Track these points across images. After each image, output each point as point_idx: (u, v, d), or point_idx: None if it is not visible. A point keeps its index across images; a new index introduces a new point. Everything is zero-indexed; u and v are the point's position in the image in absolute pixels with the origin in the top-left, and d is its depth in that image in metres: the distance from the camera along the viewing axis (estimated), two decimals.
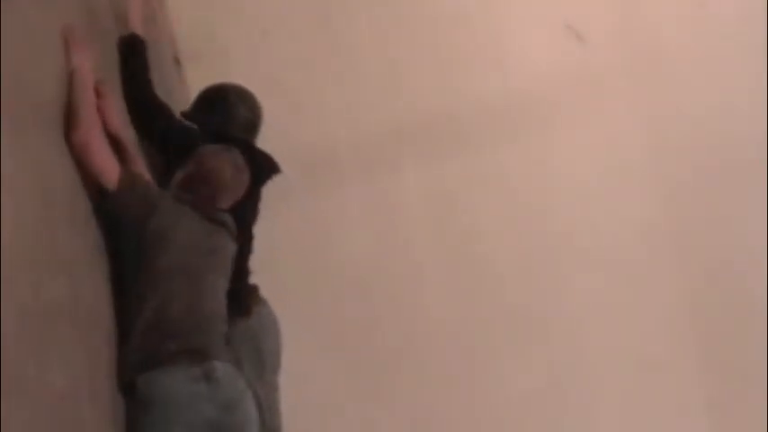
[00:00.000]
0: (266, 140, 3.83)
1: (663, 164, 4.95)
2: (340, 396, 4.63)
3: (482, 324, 4.81)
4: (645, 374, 4.85)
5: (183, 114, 3.70)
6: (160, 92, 3.54)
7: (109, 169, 2.77)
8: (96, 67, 3.00)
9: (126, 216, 2.83)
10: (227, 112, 3.69)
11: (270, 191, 3.99)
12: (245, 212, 3.72)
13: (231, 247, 3.18)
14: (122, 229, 2.85)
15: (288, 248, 4.59)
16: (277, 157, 3.94)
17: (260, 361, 3.60)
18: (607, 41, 4.94)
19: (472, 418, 4.76)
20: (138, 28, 3.46)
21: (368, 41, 4.82)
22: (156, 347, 2.80)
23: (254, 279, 3.80)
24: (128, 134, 3.23)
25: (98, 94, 2.92)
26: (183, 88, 4.48)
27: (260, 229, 3.91)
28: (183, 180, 3.07)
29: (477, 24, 4.87)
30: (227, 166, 3.12)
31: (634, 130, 4.95)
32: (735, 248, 4.92)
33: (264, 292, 3.80)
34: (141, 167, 3.12)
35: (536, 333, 4.83)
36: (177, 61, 4.66)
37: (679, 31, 4.98)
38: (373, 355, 4.72)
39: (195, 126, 3.65)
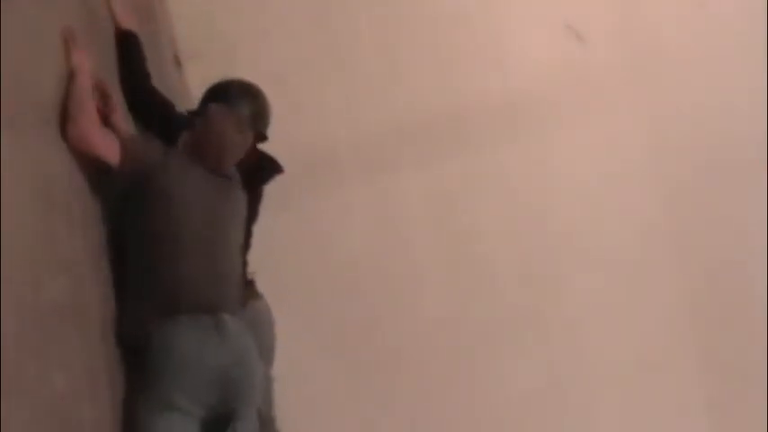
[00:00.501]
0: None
1: (663, 164, 4.95)
2: (340, 396, 4.63)
3: (482, 324, 4.81)
4: (645, 374, 4.85)
5: (191, 113, 3.71)
6: (160, 91, 3.54)
7: (111, 147, 2.78)
8: (96, 66, 3.00)
9: (135, 180, 2.84)
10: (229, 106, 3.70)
11: (270, 191, 3.99)
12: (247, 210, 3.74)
13: (241, 199, 3.21)
14: (132, 194, 2.86)
15: (288, 248, 4.59)
16: (277, 157, 3.95)
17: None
18: (607, 41, 4.95)
19: (472, 418, 4.76)
20: (125, 23, 3.46)
21: (368, 41, 4.82)
22: (166, 299, 2.83)
23: (253, 277, 3.80)
24: (127, 128, 3.24)
25: (100, 92, 2.93)
26: (183, 88, 4.48)
27: (260, 229, 3.90)
28: (189, 141, 3.11)
29: (477, 24, 4.87)
30: (231, 127, 3.15)
31: (634, 130, 4.95)
32: (735, 248, 4.92)
33: (264, 291, 3.80)
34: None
35: (536, 333, 4.83)
36: (177, 61, 4.66)
37: (679, 31, 4.98)
38: (373, 354, 4.72)
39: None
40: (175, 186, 2.92)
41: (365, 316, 4.73)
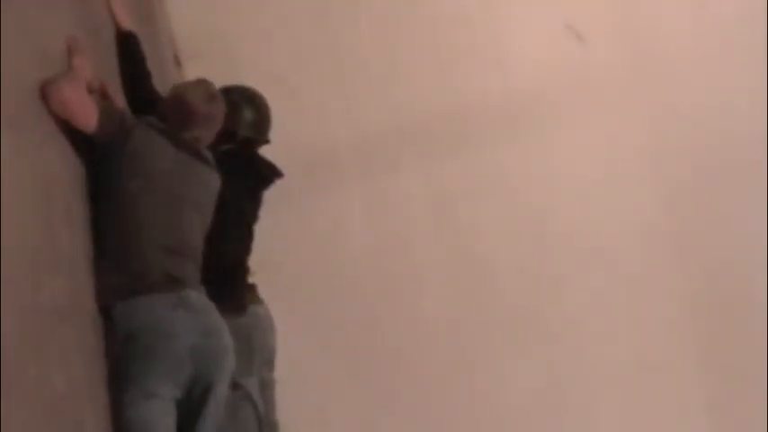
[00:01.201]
0: None
1: (663, 164, 4.95)
2: (339, 396, 4.63)
3: (482, 324, 4.81)
4: (645, 374, 4.85)
5: None
6: (159, 91, 3.55)
7: (89, 113, 2.79)
8: (96, 68, 3.00)
9: (108, 145, 2.85)
10: (231, 113, 3.74)
11: (270, 190, 3.99)
12: (247, 213, 3.75)
13: (213, 181, 3.20)
14: (105, 159, 2.88)
15: (287, 248, 4.59)
16: (277, 156, 3.95)
17: (249, 359, 3.60)
18: (607, 41, 4.94)
19: (472, 418, 4.76)
20: (125, 23, 3.47)
21: (368, 41, 4.82)
22: (131, 274, 2.84)
23: (253, 279, 3.80)
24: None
25: (100, 92, 2.95)
26: None
27: (260, 229, 3.91)
28: (158, 110, 3.13)
29: (477, 24, 4.87)
30: (198, 94, 3.16)
31: (634, 130, 4.95)
32: (735, 248, 4.92)
33: (264, 291, 3.80)
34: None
35: (536, 333, 4.83)
36: (177, 61, 4.66)
37: (679, 31, 4.98)
38: (373, 354, 4.72)
39: None
40: (144, 155, 2.93)
41: (365, 316, 4.73)
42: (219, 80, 3.97)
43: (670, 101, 4.96)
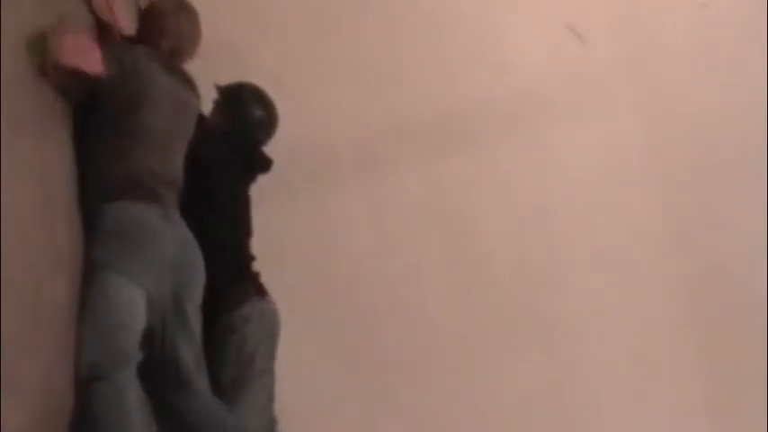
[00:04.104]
0: None
1: (663, 164, 4.95)
2: (338, 396, 4.62)
3: (482, 324, 4.80)
4: (645, 374, 4.85)
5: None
6: None
7: (94, 59, 2.84)
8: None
9: (118, 87, 2.93)
10: (239, 111, 3.82)
11: (270, 190, 4.00)
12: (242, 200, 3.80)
13: (195, 105, 3.35)
14: (109, 95, 2.94)
15: (287, 248, 4.59)
16: (277, 156, 3.96)
17: (246, 351, 3.62)
18: (607, 41, 4.94)
19: (472, 418, 4.75)
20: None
21: (368, 41, 4.81)
22: (123, 187, 2.92)
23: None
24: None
25: None
26: None
27: (259, 229, 3.91)
28: (143, 32, 3.26)
29: (477, 25, 4.87)
30: (168, 4, 3.34)
31: (634, 130, 4.94)
32: (734, 248, 4.91)
33: None
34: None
35: (536, 333, 4.83)
36: None
37: (679, 31, 4.98)
38: (372, 355, 4.72)
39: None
40: (148, 86, 3.03)
41: (365, 316, 4.72)
42: (220, 80, 3.99)
43: (670, 101, 4.96)
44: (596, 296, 4.84)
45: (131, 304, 2.80)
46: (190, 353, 3.04)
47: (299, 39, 4.73)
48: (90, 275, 2.74)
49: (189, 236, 3.12)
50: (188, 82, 3.27)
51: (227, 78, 4.03)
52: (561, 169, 4.91)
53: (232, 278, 3.56)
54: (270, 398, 3.72)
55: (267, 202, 4.03)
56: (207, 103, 3.85)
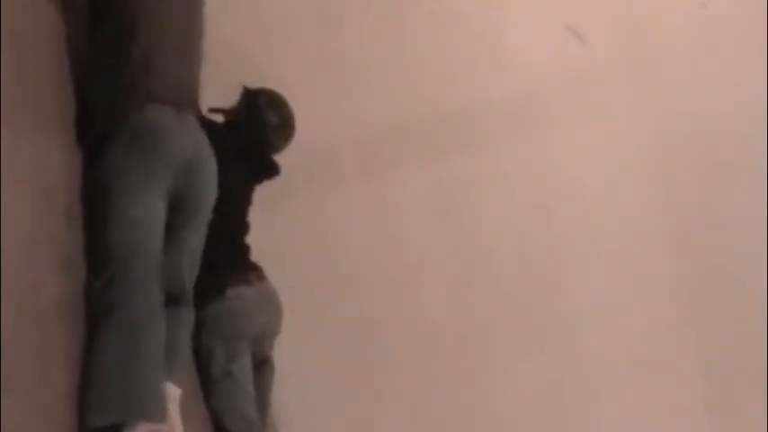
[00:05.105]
0: None
1: (663, 164, 4.95)
2: (338, 396, 4.63)
3: (482, 324, 4.81)
4: (644, 374, 4.85)
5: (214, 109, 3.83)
6: None
7: None
8: None
9: None
10: (254, 113, 3.85)
11: (270, 190, 4.00)
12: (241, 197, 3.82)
13: (203, 10, 3.35)
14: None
15: (287, 248, 4.59)
16: (277, 156, 3.96)
17: (238, 336, 3.63)
18: (607, 41, 4.94)
19: (472, 418, 4.75)
20: None
21: (368, 41, 4.81)
22: (139, 90, 2.89)
23: None
24: None
25: None
26: None
27: (259, 229, 3.91)
28: None
29: (477, 24, 4.87)
30: None
31: (634, 130, 4.94)
32: (734, 248, 4.91)
33: None
34: None
35: (536, 333, 4.83)
36: None
37: (679, 31, 4.98)
38: (372, 355, 4.72)
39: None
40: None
41: (364, 316, 4.72)
42: (221, 80, 3.99)
43: (670, 101, 4.96)
44: (596, 296, 4.84)
45: (153, 209, 2.83)
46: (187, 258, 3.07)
47: (299, 38, 4.73)
48: (109, 185, 2.76)
49: (203, 142, 3.12)
50: None
51: (226, 78, 4.03)
52: (561, 169, 4.91)
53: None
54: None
55: (267, 202, 4.03)
56: (207, 104, 3.85)
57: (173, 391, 2.91)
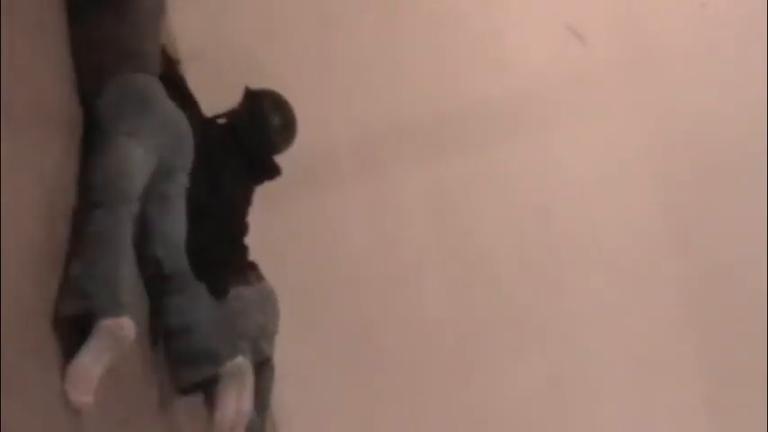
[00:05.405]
0: None
1: (663, 163, 4.95)
2: (338, 396, 4.63)
3: (482, 323, 4.81)
4: (644, 374, 4.85)
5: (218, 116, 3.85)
6: None
7: None
8: None
9: None
10: (257, 115, 3.86)
11: (270, 191, 4.00)
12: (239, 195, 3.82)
13: None
14: None
15: (287, 248, 4.60)
16: (277, 156, 3.96)
17: (238, 336, 3.64)
18: (607, 41, 4.94)
19: (472, 418, 4.76)
20: None
21: (368, 41, 4.82)
22: (125, 60, 3.05)
23: None
24: None
25: None
26: None
27: (259, 229, 3.91)
28: None
29: (477, 24, 4.87)
30: None
31: (634, 130, 4.94)
32: (734, 248, 4.91)
33: None
34: None
35: (536, 333, 4.83)
36: (178, 60, 4.66)
37: (679, 31, 4.97)
38: (372, 355, 4.72)
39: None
40: None
41: (364, 316, 4.73)
42: (221, 80, 4.01)
43: (670, 101, 4.96)
44: (596, 296, 4.84)
45: (141, 161, 2.94)
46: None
47: (299, 39, 4.73)
48: (101, 141, 2.87)
49: (179, 110, 3.26)
50: None
51: (226, 78, 4.03)
52: (561, 169, 4.91)
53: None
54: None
55: (267, 202, 4.03)
56: (206, 106, 3.86)
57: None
